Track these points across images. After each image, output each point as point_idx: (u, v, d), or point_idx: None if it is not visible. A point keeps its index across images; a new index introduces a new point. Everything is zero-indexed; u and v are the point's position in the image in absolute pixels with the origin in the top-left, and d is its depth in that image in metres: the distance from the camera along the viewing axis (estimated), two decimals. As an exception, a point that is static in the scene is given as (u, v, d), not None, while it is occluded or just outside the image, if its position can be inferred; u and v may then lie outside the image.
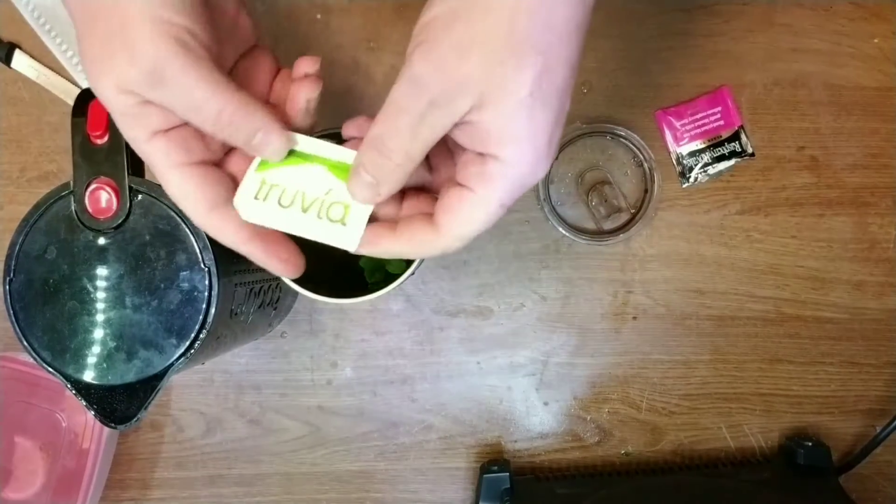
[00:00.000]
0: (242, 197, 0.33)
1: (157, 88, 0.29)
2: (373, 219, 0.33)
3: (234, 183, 0.34)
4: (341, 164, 0.33)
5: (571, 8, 0.28)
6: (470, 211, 0.31)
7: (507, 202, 0.31)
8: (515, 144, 0.29)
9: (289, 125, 0.34)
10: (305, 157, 0.33)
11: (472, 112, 0.28)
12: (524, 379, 0.59)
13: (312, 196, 0.33)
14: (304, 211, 0.33)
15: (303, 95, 0.34)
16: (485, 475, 0.54)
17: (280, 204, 0.33)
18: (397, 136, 0.29)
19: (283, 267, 0.34)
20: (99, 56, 0.29)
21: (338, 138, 0.42)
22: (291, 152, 0.33)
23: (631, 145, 0.57)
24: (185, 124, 0.31)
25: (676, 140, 0.57)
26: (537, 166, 0.30)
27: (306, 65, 0.34)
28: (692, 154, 0.57)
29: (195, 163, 0.32)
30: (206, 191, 0.32)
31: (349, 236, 0.33)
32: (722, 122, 0.57)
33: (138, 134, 0.31)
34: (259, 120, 0.31)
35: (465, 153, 0.31)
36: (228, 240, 0.33)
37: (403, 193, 0.34)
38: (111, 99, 0.30)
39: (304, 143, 0.33)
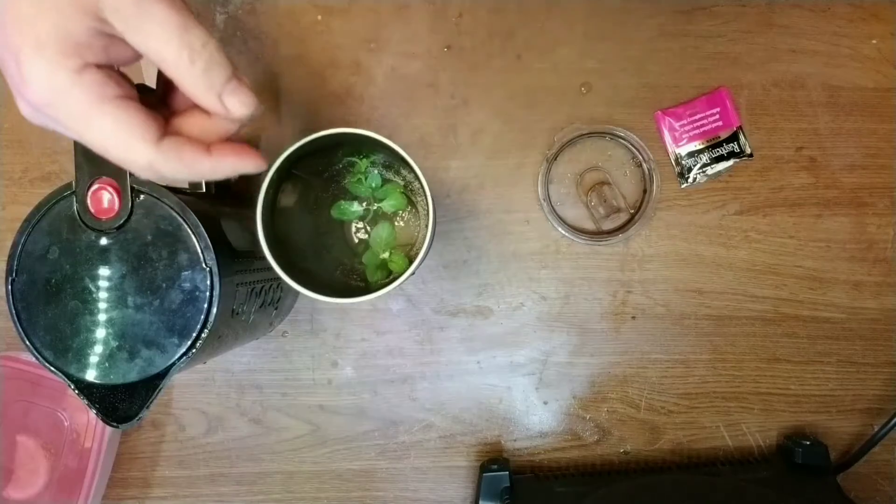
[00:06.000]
0: None
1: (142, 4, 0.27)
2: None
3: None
4: None
5: None
6: None
7: None
8: None
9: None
10: None
11: None
12: (524, 378, 0.59)
13: None
14: None
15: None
16: (485, 474, 0.55)
17: None
18: None
19: (256, 159, 0.34)
20: None
21: (335, 139, 0.43)
22: None
23: (630, 146, 0.57)
24: (111, 66, 0.30)
25: (675, 141, 0.57)
26: None
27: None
28: (691, 154, 0.57)
29: (130, 97, 0.30)
30: (150, 121, 0.30)
31: None
32: (720, 123, 0.57)
33: (70, 63, 0.28)
34: (231, 68, 0.30)
35: None
36: (186, 160, 0.32)
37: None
38: (68, 16, 0.27)
39: None
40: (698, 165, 0.57)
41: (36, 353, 0.40)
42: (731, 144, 0.57)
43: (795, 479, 0.55)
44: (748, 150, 0.57)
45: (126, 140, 0.30)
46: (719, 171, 0.57)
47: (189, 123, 0.33)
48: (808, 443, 0.55)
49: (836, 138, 0.58)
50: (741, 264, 0.58)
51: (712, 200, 0.58)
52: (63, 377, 0.40)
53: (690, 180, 0.58)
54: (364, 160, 0.51)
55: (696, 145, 0.57)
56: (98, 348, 0.40)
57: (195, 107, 0.33)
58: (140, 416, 0.39)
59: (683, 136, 0.57)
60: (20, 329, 0.40)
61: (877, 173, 0.58)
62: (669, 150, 0.58)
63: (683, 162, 0.57)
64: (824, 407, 0.59)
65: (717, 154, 0.57)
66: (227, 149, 0.33)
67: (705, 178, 0.57)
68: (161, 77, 0.34)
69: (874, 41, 0.57)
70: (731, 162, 0.57)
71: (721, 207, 0.58)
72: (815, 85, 0.57)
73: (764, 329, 0.58)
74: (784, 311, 0.58)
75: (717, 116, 0.57)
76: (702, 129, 0.57)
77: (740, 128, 0.57)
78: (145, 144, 0.30)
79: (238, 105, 0.31)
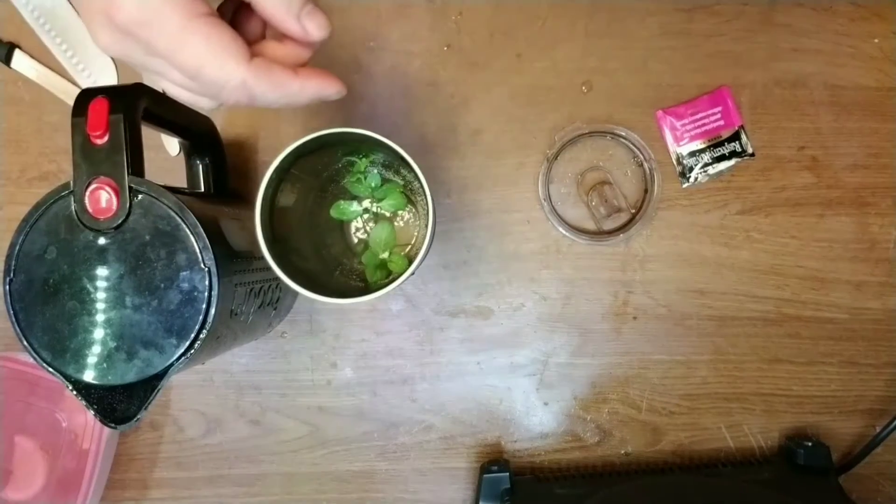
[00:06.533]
0: None
1: None
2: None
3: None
4: None
5: None
6: None
7: None
8: None
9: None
10: None
11: None
12: (524, 379, 0.59)
13: None
14: None
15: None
16: (485, 475, 0.54)
17: None
18: None
19: (338, 83, 0.35)
20: None
21: (334, 138, 0.43)
22: None
23: (631, 145, 0.57)
24: None
25: (677, 140, 0.57)
26: None
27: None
28: (692, 154, 0.57)
29: (217, 16, 0.31)
30: (240, 40, 0.31)
31: None
32: (722, 122, 0.57)
33: None
34: None
35: None
36: (276, 79, 0.32)
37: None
38: None
39: None
40: (700, 165, 0.57)
41: (34, 354, 0.40)
42: (733, 144, 0.57)
43: (797, 481, 0.54)
44: (750, 150, 0.57)
45: (221, 57, 0.30)
46: (721, 171, 0.57)
47: (269, 48, 0.34)
48: (810, 444, 0.55)
49: (839, 138, 0.57)
50: (743, 264, 0.58)
51: (714, 200, 0.58)
52: (61, 378, 0.40)
53: (692, 180, 0.57)
54: (363, 160, 0.50)
55: (698, 145, 0.57)
56: (96, 349, 0.39)
57: (263, 37, 0.34)
58: (138, 417, 0.39)
59: (685, 135, 0.57)
60: (18, 329, 0.40)
61: (879, 173, 0.57)
62: (671, 149, 0.57)
63: (685, 161, 0.57)
64: (826, 408, 0.58)
65: (719, 153, 0.57)
66: (311, 71, 0.34)
67: (707, 178, 0.57)
68: (228, 5, 0.35)
69: (876, 40, 0.57)
70: (732, 161, 0.57)
71: (723, 207, 0.58)
72: (816, 84, 0.57)
73: (766, 330, 0.58)
74: (786, 311, 0.58)
75: (719, 116, 0.57)
76: (703, 129, 0.57)
77: (742, 127, 0.57)
78: (238, 62, 0.31)
79: (315, 27, 0.33)
